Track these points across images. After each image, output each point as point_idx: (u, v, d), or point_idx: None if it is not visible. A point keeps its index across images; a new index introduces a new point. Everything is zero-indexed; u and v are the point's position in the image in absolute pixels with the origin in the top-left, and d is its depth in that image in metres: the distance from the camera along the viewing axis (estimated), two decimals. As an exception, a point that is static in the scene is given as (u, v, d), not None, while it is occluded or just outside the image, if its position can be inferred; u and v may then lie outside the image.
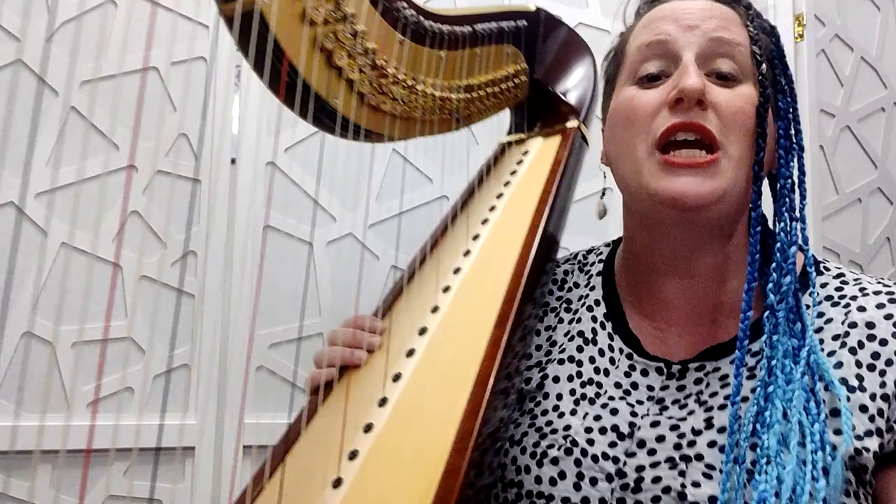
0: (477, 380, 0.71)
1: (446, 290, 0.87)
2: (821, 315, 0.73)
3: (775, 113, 0.75)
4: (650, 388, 0.77)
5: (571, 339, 0.84)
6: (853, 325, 0.71)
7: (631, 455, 0.72)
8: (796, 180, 0.75)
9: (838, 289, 0.75)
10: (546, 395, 0.81)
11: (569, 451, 0.74)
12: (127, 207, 1.35)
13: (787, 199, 0.74)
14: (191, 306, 1.38)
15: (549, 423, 0.78)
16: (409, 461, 0.67)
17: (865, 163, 1.82)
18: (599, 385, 0.79)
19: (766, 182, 0.78)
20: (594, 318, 0.85)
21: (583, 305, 0.87)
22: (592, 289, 0.88)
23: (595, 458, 0.73)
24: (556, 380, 0.81)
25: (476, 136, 1.47)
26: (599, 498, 0.71)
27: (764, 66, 0.74)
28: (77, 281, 1.30)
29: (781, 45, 0.77)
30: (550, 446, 0.75)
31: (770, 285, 0.71)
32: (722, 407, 0.71)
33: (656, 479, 0.69)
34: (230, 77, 1.48)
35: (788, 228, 0.74)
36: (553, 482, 0.73)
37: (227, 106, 1.49)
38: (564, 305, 0.89)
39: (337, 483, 0.67)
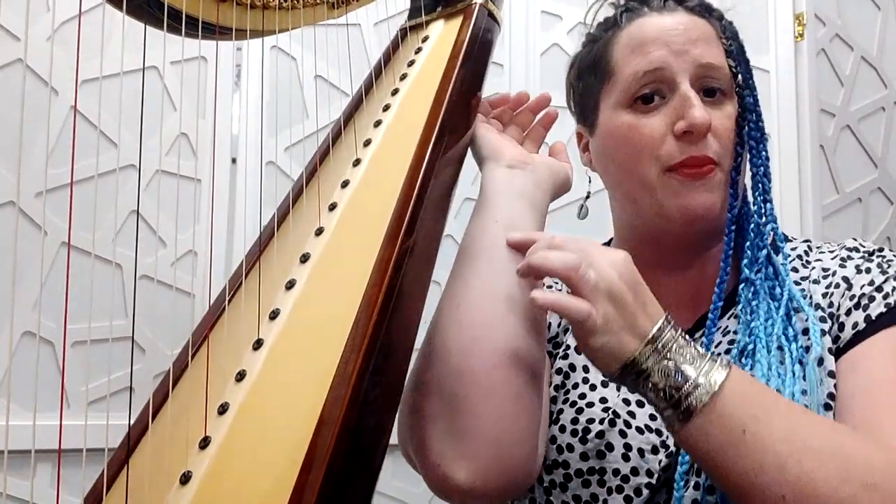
0: (357, 315, 0.63)
1: (333, 207, 0.78)
2: (795, 270, 0.82)
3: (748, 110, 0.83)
4: None
5: None
6: (813, 268, 0.82)
7: None
8: (765, 165, 0.82)
9: (806, 252, 0.84)
10: (573, 367, 0.84)
11: (612, 423, 0.78)
12: (127, 207, 1.35)
13: (761, 185, 0.81)
14: (191, 306, 1.38)
15: (582, 395, 0.82)
16: (284, 410, 0.62)
17: (865, 162, 1.82)
18: None
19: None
20: None
21: None
22: None
23: (640, 430, 0.78)
24: (578, 350, 0.84)
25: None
26: (647, 469, 0.75)
27: (740, 77, 0.81)
28: (77, 280, 1.30)
29: (741, 41, 0.84)
30: (591, 420, 0.79)
31: (745, 261, 0.79)
32: (727, 352, 0.78)
33: None
34: (230, 76, 1.48)
35: (763, 210, 0.81)
36: (601, 455, 0.77)
37: (228, 105, 1.49)
38: None
39: (204, 443, 0.62)
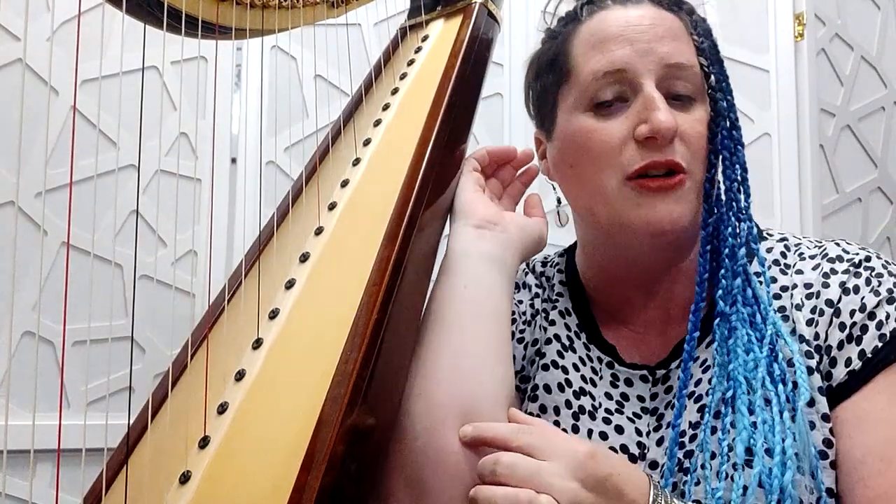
0: (357, 314, 0.63)
1: (332, 207, 0.78)
2: (774, 280, 0.75)
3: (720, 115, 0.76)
4: (641, 398, 0.77)
5: (549, 342, 0.83)
6: (794, 286, 0.74)
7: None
8: (740, 178, 0.75)
9: (783, 254, 0.77)
10: (543, 408, 0.79)
11: None
12: (127, 206, 1.35)
13: (734, 203, 0.74)
14: (190, 305, 1.38)
15: None
16: (284, 409, 0.62)
17: (865, 162, 1.82)
18: (592, 396, 0.78)
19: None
20: (567, 327, 0.84)
21: (554, 310, 0.86)
22: (560, 295, 0.87)
23: None
24: (548, 389, 0.80)
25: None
26: None
27: (713, 78, 0.74)
28: (77, 280, 1.30)
29: (715, 40, 0.77)
30: None
31: (719, 292, 0.72)
32: (709, 392, 0.72)
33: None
34: (230, 76, 1.48)
35: (737, 230, 0.74)
36: None
37: (227, 105, 1.49)
38: (544, 314, 0.87)
39: (204, 442, 0.63)
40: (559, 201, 0.87)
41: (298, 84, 1.52)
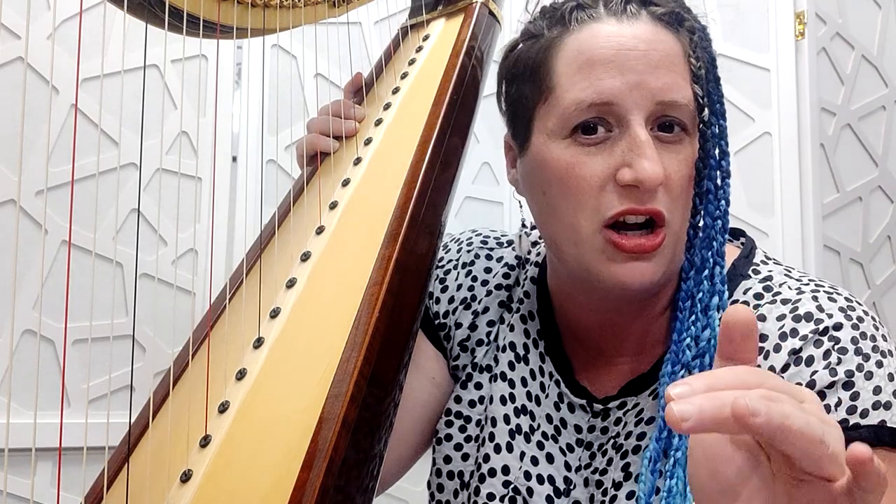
0: (358, 313, 0.64)
1: (333, 206, 0.78)
2: None
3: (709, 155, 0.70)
4: (578, 428, 0.75)
5: (504, 350, 0.81)
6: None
7: None
8: (722, 211, 0.69)
9: (758, 295, 0.70)
10: (486, 418, 0.78)
11: (513, 501, 0.74)
12: (128, 205, 1.35)
13: (715, 243, 0.68)
14: (191, 304, 1.38)
15: (486, 457, 0.76)
16: (285, 408, 0.62)
17: (866, 161, 1.82)
18: (532, 416, 0.77)
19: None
20: (527, 333, 0.81)
21: (517, 312, 0.82)
22: (527, 296, 0.83)
23: None
24: (491, 400, 0.79)
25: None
26: None
27: (706, 112, 0.68)
28: (78, 279, 1.30)
29: (713, 51, 0.70)
30: (491, 497, 0.75)
31: (688, 339, 0.67)
32: (636, 450, 0.69)
33: None
34: (231, 75, 1.48)
35: (712, 274, 0.68)
36: None
37: (228, 104, 1.49)
38: (507, 302, 0.84)
39: (205, 441, 0.63)
40: (524, 224, 0.80)
41: (299, 83, 1.52)
